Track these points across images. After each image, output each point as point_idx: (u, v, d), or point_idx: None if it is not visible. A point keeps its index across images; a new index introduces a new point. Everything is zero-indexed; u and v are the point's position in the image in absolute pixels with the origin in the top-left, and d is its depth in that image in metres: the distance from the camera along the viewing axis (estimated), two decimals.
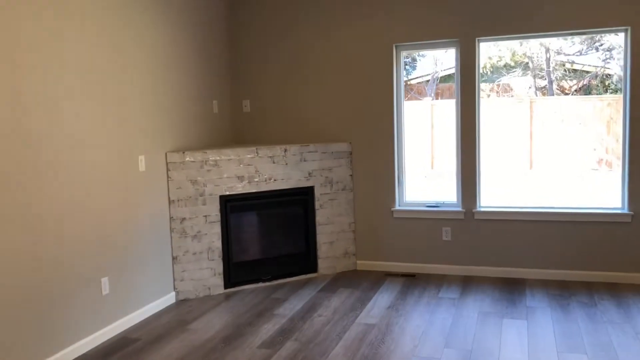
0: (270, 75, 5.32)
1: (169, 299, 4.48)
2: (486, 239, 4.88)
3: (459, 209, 4.94)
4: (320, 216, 5.06)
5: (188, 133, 4.76)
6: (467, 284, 4.71)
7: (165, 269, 4.45)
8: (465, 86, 4.83)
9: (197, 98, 4.87)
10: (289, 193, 4.95)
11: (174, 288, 4.55)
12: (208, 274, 4.66)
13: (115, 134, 3.89)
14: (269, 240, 5.03)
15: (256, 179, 4.79)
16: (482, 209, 4.89)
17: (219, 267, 4.70)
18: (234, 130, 5.47)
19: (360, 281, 4.87)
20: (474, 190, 4.89)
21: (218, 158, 4.64)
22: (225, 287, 4.75)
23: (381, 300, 4.39)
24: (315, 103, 5.21)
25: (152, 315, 4.23)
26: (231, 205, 4.73)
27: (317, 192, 5.03)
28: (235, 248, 4.81)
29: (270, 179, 4.84)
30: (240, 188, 4.73)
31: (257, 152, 4.78)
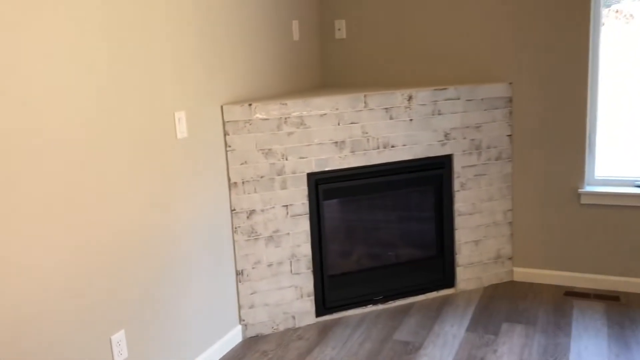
0: None
1: (233, 338, 2.83)
2: None
3: None
4: (461, 201, 3.23)
5: (254, 73, 2.99)
6: None
7: (225, 292, 2.78)
8: None
9: (268, 18, 3.06)
10: (414, 167, 3.13)
11: (240, 320, 2.89)
12: (291, 295, 2.97)
13: (133, 77, 2.16)
14: (382, 239, 3.26)
15: (364, 147, 2.99)
16: None
17: (308, 284, 2.99)
18: (324, 67, 3.65)
19: (530, 308, 3.05)
20: None
21: (305, 113, 2.85)
22: (318, 314, 3.05)
23: (588, 355, 2.56)
24: (452, 21, 3.30)
25: None
26: (325, 189, 2.97)
27: (456, 165, 3.19)
28: (332, 254, 3.09)
29: (385, 146, 3.03)
30: (339, 161, 2.96)
31: (365, 102, 2.96)
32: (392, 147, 3.04)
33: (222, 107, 2.71)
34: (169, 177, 2.37)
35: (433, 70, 3.37)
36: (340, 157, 2.95)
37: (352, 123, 2.95)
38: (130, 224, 2.17)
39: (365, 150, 2.99)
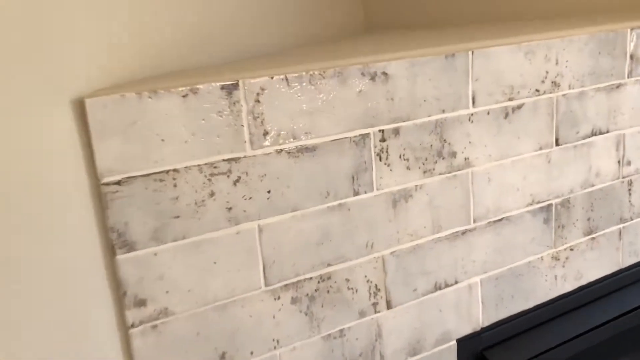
0: None
1: None
2: None
3: None
4: None
5: None
6: None
7: None
8: None
9: None
10: None
11: None
12: None
13: None
14: None
15: (616, 216, 0.86)
16: None
17: None
18: None
19: None
20: None
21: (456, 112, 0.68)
22: None
23: None
24: None
25: None
26: None
27: None
28: None
29: None
30: (548, 275, 0.81)
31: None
32: None
33: (83, 103, 0.47)
34: None
35: None
36: (547, 264, 0.81)
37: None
38: None
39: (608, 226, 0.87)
